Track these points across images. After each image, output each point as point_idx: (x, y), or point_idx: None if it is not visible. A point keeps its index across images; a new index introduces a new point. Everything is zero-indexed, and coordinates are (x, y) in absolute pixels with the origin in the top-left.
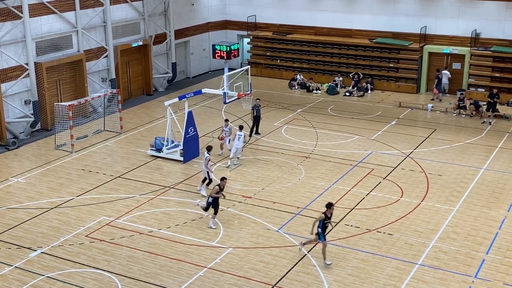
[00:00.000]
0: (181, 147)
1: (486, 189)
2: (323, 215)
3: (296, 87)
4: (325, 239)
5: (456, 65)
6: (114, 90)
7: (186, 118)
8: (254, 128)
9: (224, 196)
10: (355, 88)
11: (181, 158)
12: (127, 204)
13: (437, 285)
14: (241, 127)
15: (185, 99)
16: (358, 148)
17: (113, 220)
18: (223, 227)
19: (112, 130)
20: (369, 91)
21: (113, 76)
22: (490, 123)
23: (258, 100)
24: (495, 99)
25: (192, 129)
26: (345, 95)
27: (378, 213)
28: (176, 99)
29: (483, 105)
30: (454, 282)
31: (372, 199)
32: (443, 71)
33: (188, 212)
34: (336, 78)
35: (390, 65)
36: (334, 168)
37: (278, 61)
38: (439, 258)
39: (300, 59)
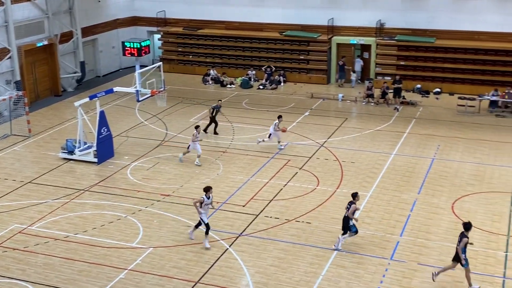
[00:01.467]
0: (95, 148)
1: (397, 173)
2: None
3: (210, 82)
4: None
5: (365, 55)
6: (20, 93)
7: (98, 118)
8: (208, 127)
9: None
10: (268, 81)
11: (95, 160)
12: (40, 210)
13: (355, 269)
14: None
15: (96, 98)
16: (274, 140)
17: (25, 228)
18: (142, 227)
19: (20, 134)
20: (282, 84)
21: (18, 78)
22: (398, 110)
23: (220, 101)
24: (397, 85)
25: (105, 129)
26: (258, 88)
27: (296, 203)
28: (87, 99)
29: (390, 92)
30: (371, 265)
31: (290, 189)
32: (356, 59)
33: (105, 214)
34: (249, 72)
35: (301, 57)
36: (252, 161)
37: (190, 56)
38: (356, 243)
39: (212, 54)
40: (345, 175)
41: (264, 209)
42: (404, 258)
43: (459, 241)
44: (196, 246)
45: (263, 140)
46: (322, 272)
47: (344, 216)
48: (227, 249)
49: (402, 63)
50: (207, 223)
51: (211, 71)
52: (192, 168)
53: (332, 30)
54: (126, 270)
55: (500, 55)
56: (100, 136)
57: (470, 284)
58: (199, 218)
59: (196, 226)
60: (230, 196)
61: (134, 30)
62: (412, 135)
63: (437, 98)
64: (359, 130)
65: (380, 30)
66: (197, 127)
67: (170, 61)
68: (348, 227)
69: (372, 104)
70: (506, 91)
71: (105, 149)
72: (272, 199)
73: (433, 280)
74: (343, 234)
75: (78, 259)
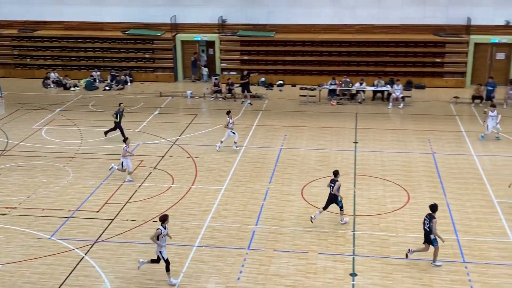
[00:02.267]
0: None
1: (248, 165)
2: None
3: (52, 86)
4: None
5: (210, 51)
6: None
7: None
8: (109, 132)
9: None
10: (114, 81)
11: None
12: None
13: (215, 262)
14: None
15: None
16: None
17: None
18: None
19: None
20: (129, 84)
21: None
22: (250, 104)
23: (121, 105)
24: (245, 80)
25: None
26: (104, 89)
27: (152, 203)
28: None
29: (236, 87)
30: (230, 256)
31: (145, 190)
32: (201, 55)
33: None
34: (94, 73)
35: (146, 56)
36: (103, 165)
37: (28, 60)
38: (214, 236)
39: (52, 56)
40: (199, 170)
41: (119, 212)
42: (260, 246)
43: (429, 223)
44: (49, 258)
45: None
46: (182, 270)
47: (330, 193)
48: (83, 257)
49: (245, 57)
50: (167, 259)
51: (52, 74)
52: (38, 177)
53: (176, 27)
54: None
55: (335, 46)
56: None
57: (434, 261)
58: (157, 254)
59: (153, 261)
60: (82, 203)
61: None
62: (260, 127)
63: (280, 90)
64: (210, 125)
65: (222, 26)
66: (125, 140)
67: (6, 65)
68: (336, 203)
69: (220, 99)
70: (343, 79)
71: None
72: (127, 202)
73: (406, 257)
74: (324, 209)
75: None
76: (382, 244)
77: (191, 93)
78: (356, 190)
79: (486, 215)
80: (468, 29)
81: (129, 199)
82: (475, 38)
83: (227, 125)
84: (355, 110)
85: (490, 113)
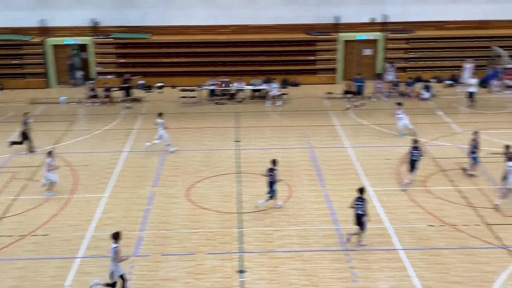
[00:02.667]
0: None
1: (131, 170)
2: None
3: None
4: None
5: (83, 55)
6: None
7: None
8: (26, 144)
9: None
10: None
11: None
12: None
13: (102, 272)
14: None
15: None
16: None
17: None
18: None
19: None
20: None
21: None
22: (130, 107)
23: (26, 114)
24: (126, 84)
25: None
26: None
27: (30, 216)
28: None
29: (114, 90)
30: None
31: (21, 203)
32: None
33: None
34: None
35: (14, 62)
36: None
37: None
38: (99, 246)
39: None
40: (80, 179)
41: None
42: (148, 252)
43: (363, 206)
44: None
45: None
46: (67, 283)
47: (269, 181)
48: None
49: (121, 60)
50: (117, 279)
51: None
52: None
53: (46, 31)
54: None
55: (211, 46)
56: None
57: (359, 242)
58: (114, 277)
59: (108, 285)
60: None
61: None
62: (142, 131)
63: (159, 92)
64: (88, 131)
65: (95, 29)
66: (49, 153)
67: None
68: (272, 190)
69: (97, 104)
70: (222, 79)
71: None
72: (1, 217)
73: (348, 241)
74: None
75: None
76: (267, 239)
77: (65, 99)
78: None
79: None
80: (336, 27)
81: (4, 214)
82: (343, 35)
83: (158, 126)
84: (235, 109)
85: (397, 114)
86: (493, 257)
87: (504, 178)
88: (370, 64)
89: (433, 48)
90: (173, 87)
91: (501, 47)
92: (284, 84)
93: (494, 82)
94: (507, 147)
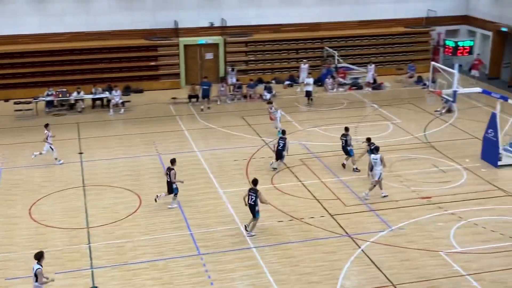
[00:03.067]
0: None
1: None
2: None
3: None
4: None
5: None
6: None
7: None
8: None
9: None
10: None
11: None
12: None
13: None
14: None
15: None
16: None
17: None
18: None
19: None
20: None
21: None
22: None
23: None
24: None
25: None
26: None
27: None
28: None
29: None
30: None
31: None
32: None
33: None
34: None
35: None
36: None
37: None
38: None
39: None
40: None
41: None
42: None
43: (254, 197)
44: None
45: None
46: None
47: (167, 181)
48: None
49: None
50: None
51: None
52: None
53: None
54: None
55: (46, 55)
56: None
57: (251, 231)
58: None
59: None
60: None
61: None
62: None
63: None
64: None
65: None
66: None
67: None
68: (172, 189)
69: None
70: (59, 90)
71: None
72: None
73: (246, 231)
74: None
75: None
76: (119, 251)
77: None
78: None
79: (215, 207)
80: (176, 32)
81: None
82: (184, 40)
83: (46, 138)
84: (76, 120)
85: (272, 111)
86: (338, 245)
87: (371, 170)
88: (212, 68)
89: (271, 50)
90: (6, 100)
91: (332, 47)
92: (127, 91)
93: (328, 81)
94: (368, 139)
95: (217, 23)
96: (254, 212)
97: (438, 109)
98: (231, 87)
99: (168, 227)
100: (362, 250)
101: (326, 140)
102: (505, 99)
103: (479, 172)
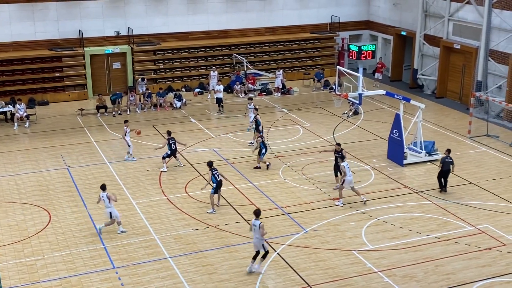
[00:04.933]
0: None
1: None
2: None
3: None
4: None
5: None
6: None
7: None
8: None
9: None
10: None
11: None
12: None
13: None
14: None
15: None
16: None
17: None
18: None
19: None
20: None
21: None
22: None
23: None
24: None
25: None
26: None
27: None
28: None
29: None
30: None
31: None
32: None
33: None
34: None
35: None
36: None
37: None
38: None
39: None
40: None
41: None
42: None
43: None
44: None
45: None
46: None
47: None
48: None
49: None
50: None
51: None
52: None
53: None
54: None
55: None
56: None
57: (215, 206)
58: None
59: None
60: None
61: None
62: None
63: None
64: None
65: None
66: None
67: None
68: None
69: None
70: None
71: None
72: None
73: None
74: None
75: None
76: (30, 270)
77: None
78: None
79: (128, 218)
80: (81, 41)
81: None
82: (89, 50)
83: (125, 134)
84: None
85: (249, 106)
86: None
87: (338, 174)
88: (121, 78)
89: (180, 58)
90: None
91: (240, 54)
92: (32, 104)
93: (237, 87)
94: (338, 144)
95: (123, 32)
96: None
97: (345, 112)
98: (141, 96)
99: (80, 242)
100: (278, 253)
101: (238, 146)
102: (407, 100)
103: (386, 171)
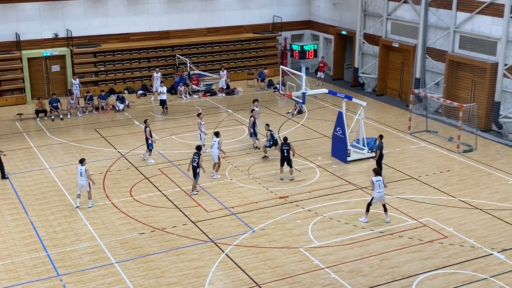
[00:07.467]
0: None
1: None
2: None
3: None
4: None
5: None
6: None
7: None
8: None
9: None
10: None
11: None
12: None
13: None
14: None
15: None
16: None
17: None
18: None
19: None
20: None
21: None
22: None
23: None
24: None
25: None
26: None
27: None
28: None
29: None
30: None
31: None
32: None
33: None
34: None
35: None
36: None
37: None
38: None
39: None
40: None
41: None
42: None
43: (197, 160)
44: None
45: None
46: None
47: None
48: None
49: None
50: None
51: None
52: None
53: None
54: None
55: None
56: None
57: (193, 190)
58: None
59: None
60: None
61: None
62: None
63: None
64: None
65: None
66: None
67: None
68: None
69: None
70: None
71: None
72: None
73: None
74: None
75: None
76: None
77: None
78: None
79: (71, 224)
80: (18, 44)
81: None
82: (27, 53)
83: (200, 127)
84: None
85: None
86: (202, 252)
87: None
88: (60, 81)
89: (122, 60)
90: None
91: (183, 55)
92: None
93: (181, 88)
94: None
95: (62, 34)
96: (196, 174)
97: (290, 111)
98: (80, 99)
99: (23, 250)
100: (226, 254)
101: (183, 147)
102: (350, 98)
103: (330, 168)
